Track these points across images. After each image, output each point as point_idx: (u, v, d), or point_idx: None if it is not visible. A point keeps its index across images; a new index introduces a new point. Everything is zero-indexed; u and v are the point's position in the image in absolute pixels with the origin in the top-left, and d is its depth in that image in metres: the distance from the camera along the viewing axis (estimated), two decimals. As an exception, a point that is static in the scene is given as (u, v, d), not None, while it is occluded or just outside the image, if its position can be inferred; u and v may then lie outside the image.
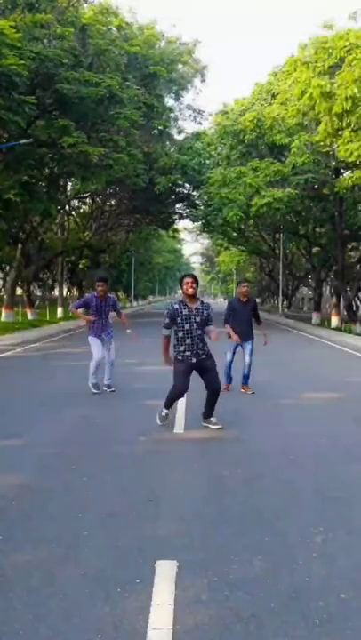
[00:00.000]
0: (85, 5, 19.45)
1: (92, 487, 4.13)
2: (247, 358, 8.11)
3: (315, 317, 29.84)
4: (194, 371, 5.91)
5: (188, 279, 5.82)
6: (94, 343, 8.00)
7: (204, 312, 5.82)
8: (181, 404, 6.66)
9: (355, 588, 2.73)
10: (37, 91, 16.49)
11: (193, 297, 5.79)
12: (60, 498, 3.93)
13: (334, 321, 26.02)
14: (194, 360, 5.79)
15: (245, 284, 8.48)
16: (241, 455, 5.05)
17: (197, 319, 5.74)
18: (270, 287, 53.88)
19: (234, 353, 8.34)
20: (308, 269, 36.75)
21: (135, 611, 2.50)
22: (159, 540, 3.24)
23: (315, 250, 32.24)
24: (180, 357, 5.84)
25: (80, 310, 8.09)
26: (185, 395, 6.03)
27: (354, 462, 4.87)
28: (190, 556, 3.04)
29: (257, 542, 3.23)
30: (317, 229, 29.39)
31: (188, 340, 5.75)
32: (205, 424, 5.99)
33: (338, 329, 24.18)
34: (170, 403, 6.07)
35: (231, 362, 8.36)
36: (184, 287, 5.80)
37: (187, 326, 5.74)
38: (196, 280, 5.85)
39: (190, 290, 5.73)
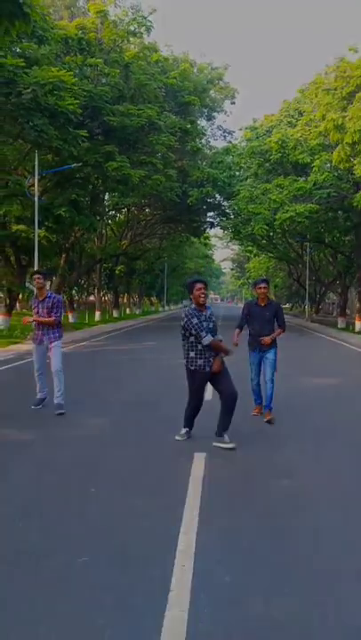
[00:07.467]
0: (128, 44, 21.90)
1: (154, 421, 6.40)
2: (268, 372, 6.74)
3: (340, 322, 31.34)
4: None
5: (199, 285, 5.24)
6: (34, 351, 7.26)
7: (213, 317, 5.46)
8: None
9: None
10: (87, 121, 18.98)
11: (203, 305, 5.34)
12: (138, 425, 6.19)
13: (358, 325, 27.56)
14: (207, 369, 5.33)
15: (263, 284, 6.76)
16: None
17: (210, 325, 5.34)
18: (299, 292, 55.49)
19: (259, 364, 6.89)
20: (335, 276, 38.29)
21: (183, 470, 4.72)
22: (196, 443, 5.51)
23: (339, 257, 33.84)
24: (192, 367, 5.39)
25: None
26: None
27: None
28: (214, 451, 5.26)
29: (257, 446, 5.47)
30: (342, 238, 31.01)
31: (200, 347, 5.29)
32: (216, 444, 5.36)
33: (361, 332, 25.73)
34: (188, 422, 5.73)
35: (258, 374, 6.97)
36: (196, 294, 5.19)
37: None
38: (206, 286, 5.37)
39: (202, 298, 5.23)
